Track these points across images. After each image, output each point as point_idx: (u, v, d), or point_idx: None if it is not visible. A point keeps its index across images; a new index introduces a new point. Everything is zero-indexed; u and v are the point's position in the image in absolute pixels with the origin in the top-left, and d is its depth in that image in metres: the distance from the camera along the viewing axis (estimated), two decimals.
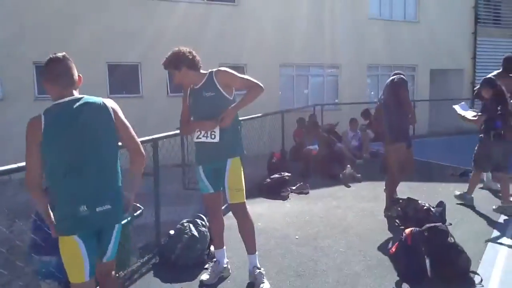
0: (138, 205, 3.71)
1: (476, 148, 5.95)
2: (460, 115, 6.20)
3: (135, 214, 3.69)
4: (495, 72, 6.38)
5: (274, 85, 11.88)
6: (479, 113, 5.90)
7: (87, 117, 2.49)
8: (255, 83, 3.58)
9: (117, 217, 2.62)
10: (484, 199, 6.33)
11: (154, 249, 4.44)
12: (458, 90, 16.12)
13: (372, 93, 15.02)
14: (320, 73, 14.14)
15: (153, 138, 4.31)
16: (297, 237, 4.96)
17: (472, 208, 5.91)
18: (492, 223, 5.29)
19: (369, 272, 3.98)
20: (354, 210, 5.99)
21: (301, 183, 7.15)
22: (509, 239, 4.74)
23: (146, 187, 3.74)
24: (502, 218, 5.49)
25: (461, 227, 5.07)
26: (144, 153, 2.71)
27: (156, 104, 10.61)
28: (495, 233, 4.95)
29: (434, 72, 15.63)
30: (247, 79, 3.64)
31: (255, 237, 3.83)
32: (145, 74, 11.15)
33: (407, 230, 3.97)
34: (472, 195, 6.04)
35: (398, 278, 3.82)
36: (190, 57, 3.55)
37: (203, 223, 4.44)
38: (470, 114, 6.07)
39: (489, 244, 4.61)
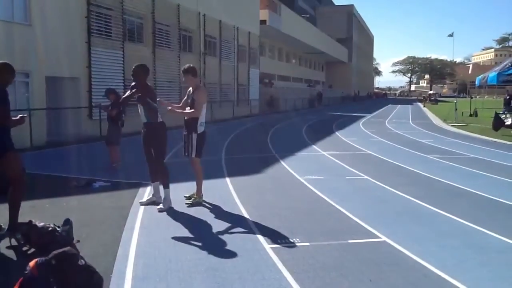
0: None
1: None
2: None
3: None
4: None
5: None
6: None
7: None
8: None
9: None
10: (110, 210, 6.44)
11: None
12: (76, 98, 16.16)
13: None
14: None
15: None
16: None
17: (100, 220, 5.88)
18: (120, 231, 5.37)
19: None
20: None
21: None
22: (134, 246, 4.90)
23: None
24: (129, 223, 5.68)
25: (90, 243, 4.91)
26: None
27: None
28: (123, 241, 5.02)
29: (50, 79, 15.01)
30: None
31: None
32: None
33: (31, 263, 3.46)
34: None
35: None
36: None
37: None
38: None
39: (118, 254, 4.63)
